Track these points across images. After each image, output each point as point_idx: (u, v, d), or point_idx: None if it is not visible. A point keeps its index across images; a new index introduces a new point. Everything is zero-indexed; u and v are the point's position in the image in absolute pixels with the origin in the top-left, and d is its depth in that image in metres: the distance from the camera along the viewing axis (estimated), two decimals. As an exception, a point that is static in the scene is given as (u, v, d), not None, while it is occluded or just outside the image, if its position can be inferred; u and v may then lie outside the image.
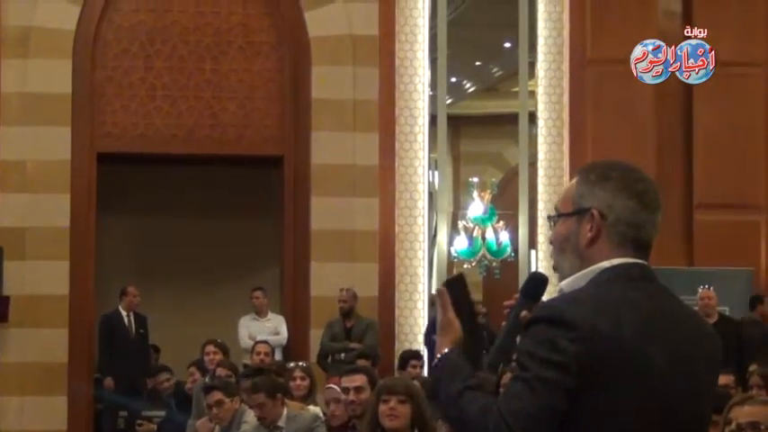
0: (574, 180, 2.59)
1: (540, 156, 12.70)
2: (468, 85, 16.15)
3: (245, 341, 11.43)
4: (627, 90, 11.96)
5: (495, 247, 13.25)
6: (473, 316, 2.58)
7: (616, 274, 2.47)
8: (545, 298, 2.59)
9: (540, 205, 12.56)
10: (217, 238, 14.13)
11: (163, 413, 10.10)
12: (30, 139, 11.81)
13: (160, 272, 13.96)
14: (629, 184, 2.51)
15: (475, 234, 13.29)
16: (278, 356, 10.99)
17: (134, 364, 11.70)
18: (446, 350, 2.52)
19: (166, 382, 10.40)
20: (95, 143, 12.11)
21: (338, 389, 6.66)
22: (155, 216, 14.27)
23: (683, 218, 12.52)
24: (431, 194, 12.94)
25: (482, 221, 13.33)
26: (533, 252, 12.77)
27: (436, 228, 13.08)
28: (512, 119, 13.28)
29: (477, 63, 15.87)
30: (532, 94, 12.88)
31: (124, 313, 11.91)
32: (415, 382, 5.83)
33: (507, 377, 4.84)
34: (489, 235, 13.28)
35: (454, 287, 2.60)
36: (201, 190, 14.09)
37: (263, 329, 11.65)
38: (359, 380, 6.17)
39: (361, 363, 9.00)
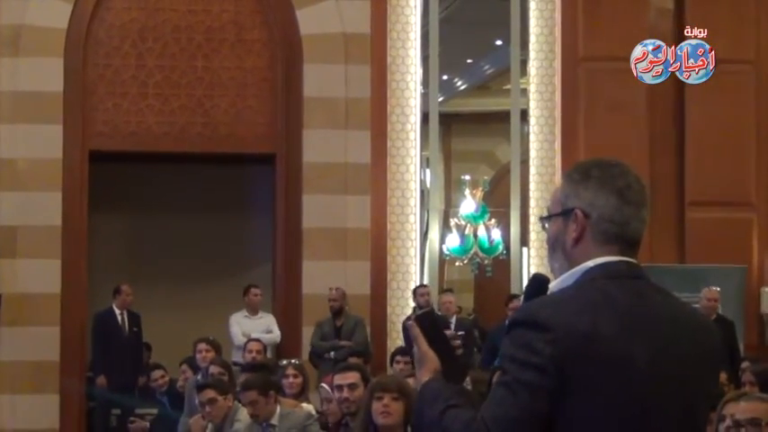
0: (561, 180, 2.60)
1: (532, 153, 12.72)
2: (459, 83, 16.14)
3: (239, 338, 11.34)
4: (619, 88, 11.99)
5: (486, 245, 13.27)
6: (448, 345, 2.54)
7: (600, 272, 2.46)
8: None
9: (532, 203, 12.58)
10: (209, 235, 14.12)
11: (155, 411, 10.09)
12: (21, 138, 11.78)
13: (151, 269, 13.95)
14: (610, 181, 2.49)
15: (467, 232, 13.32)
16: (269, 355, 10.96)
17: (127, 363, 11.69)
18: (425, 379, 2.50)
19: (161, 379, 10.39)
20: (87, 141, 12.09)
21: (328, 388, 6.65)
22: (147, 214, 14.26)
23: (676, 215, 12.53)
24: (423, 192, 12.93)
25: (474, 219, 13.35)
26: (525, 250, 12.78)
27: (428, 225, 13.07)
28: (503, 116, 13.28)
29: (469, 61, 15.86)
30: (524, 91, 12.89)
31: (117, 311, 11.86)
32: (409, 381, 5.82)
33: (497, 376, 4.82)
34: (481, 232, 13.30)
35: (424, 321, 2.56)
36: (193, 188, 14.07)
37: (256, 327, 11.62)
38: (352, 377, 6.15)
39: (353, 360, 8.98)
